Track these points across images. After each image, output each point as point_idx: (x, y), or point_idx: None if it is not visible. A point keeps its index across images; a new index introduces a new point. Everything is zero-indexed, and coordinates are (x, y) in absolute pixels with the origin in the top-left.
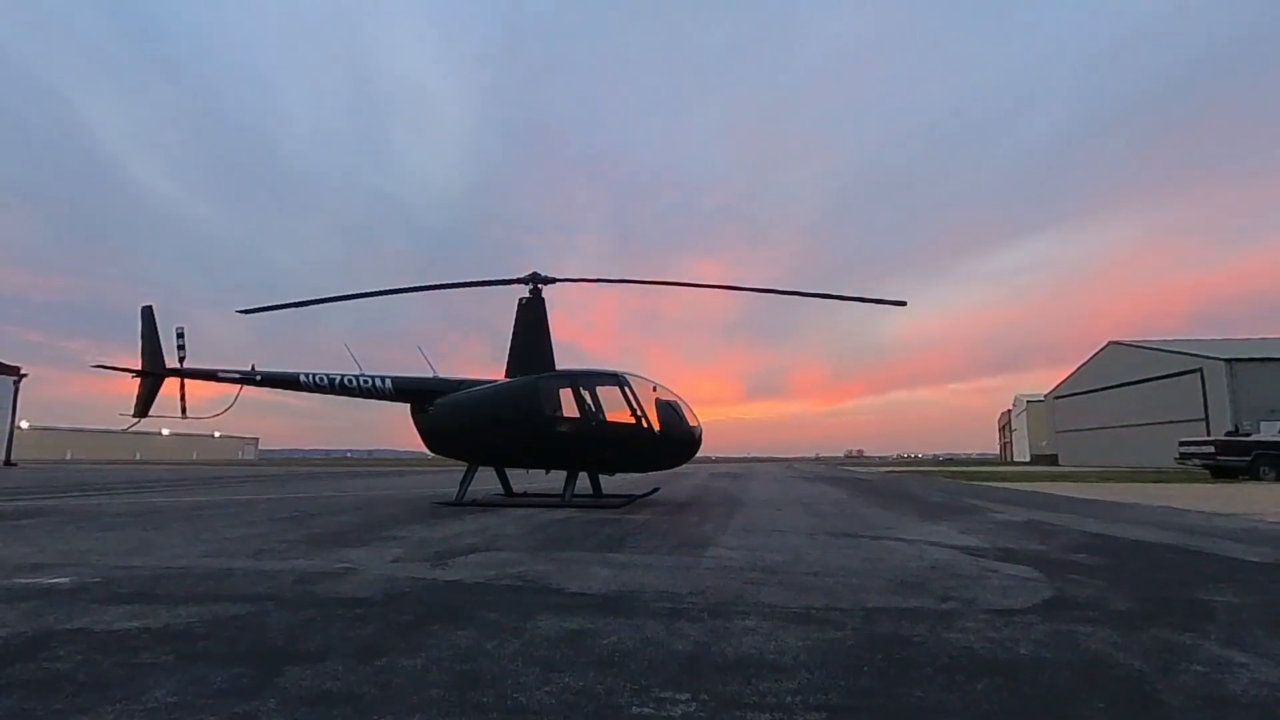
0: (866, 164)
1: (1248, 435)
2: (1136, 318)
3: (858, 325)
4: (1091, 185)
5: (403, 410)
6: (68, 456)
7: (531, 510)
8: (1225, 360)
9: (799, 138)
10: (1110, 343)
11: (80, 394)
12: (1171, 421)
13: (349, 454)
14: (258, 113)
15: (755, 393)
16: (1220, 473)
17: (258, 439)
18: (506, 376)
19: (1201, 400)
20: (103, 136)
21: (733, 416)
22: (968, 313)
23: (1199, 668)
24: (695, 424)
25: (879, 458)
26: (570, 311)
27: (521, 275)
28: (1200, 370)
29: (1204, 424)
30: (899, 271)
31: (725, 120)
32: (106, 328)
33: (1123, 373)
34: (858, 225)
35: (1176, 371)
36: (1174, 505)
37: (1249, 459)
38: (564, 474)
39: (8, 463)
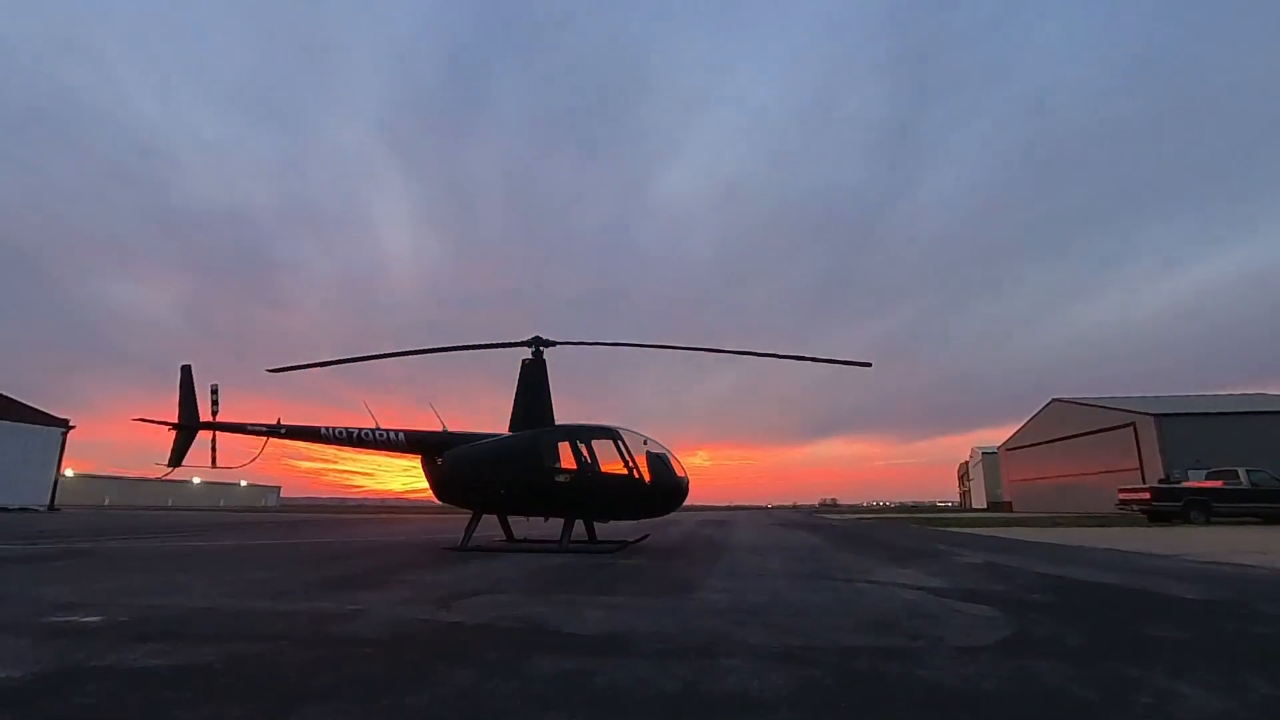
0: None
1: (1178, 483)
2: None
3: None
4: None
5: (414, 461)
6: (106, 502)
7: (531, 555)
8: (1154, 415)
9: None
10: (1053, 400)
11: None
12: (1111, 471)
13: (364, 502)
14: None
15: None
16: (1156, 517)
17: (280, 487)
18: (510, 431)
19: (1136, 452)
20: None
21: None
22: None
23: (1148, 699)
24: (682, 475)
25: (850, 505)
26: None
27: (524, 339)
28: (1134, 424)
29: (1139, 473)
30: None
31: None
32: None
33: (1065, 427)
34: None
35: (1113, 426)
36: (1118, 547)
37: (1181, 504)
38: (562, 521)
39: (51, 508)
